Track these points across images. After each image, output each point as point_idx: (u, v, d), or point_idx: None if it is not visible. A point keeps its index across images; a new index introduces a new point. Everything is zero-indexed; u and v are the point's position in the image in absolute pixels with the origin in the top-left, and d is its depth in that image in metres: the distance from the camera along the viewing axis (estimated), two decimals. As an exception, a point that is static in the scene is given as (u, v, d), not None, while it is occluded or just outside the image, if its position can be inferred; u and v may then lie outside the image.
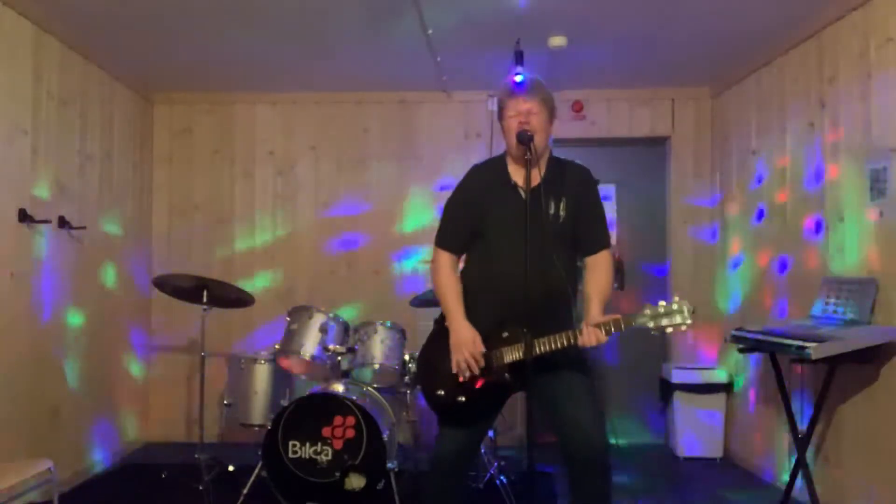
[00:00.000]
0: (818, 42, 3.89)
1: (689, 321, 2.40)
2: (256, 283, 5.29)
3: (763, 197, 4.52)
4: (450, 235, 2.73)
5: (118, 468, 4.66)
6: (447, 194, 2.80)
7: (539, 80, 2.67)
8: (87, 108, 4.43)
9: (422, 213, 5.37)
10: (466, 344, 2.55)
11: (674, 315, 2.40)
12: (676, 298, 2.43)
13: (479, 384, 2.57)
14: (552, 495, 4.09)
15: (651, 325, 2.42)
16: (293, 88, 5.35)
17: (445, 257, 2.72)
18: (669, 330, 2.41)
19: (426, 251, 5.25)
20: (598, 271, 2.66)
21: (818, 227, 3.88)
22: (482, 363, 2.55)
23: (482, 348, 2.55)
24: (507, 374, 2.54)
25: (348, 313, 4.97)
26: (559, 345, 2.46)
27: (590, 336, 2.43)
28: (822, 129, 3.85)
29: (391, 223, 5.40)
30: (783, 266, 4.25)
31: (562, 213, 2.60)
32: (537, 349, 2.44)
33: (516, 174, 2.63)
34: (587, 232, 2.67)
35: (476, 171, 2.76)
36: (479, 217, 2.65)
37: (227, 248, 5.44)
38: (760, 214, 4.55)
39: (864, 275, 3.45)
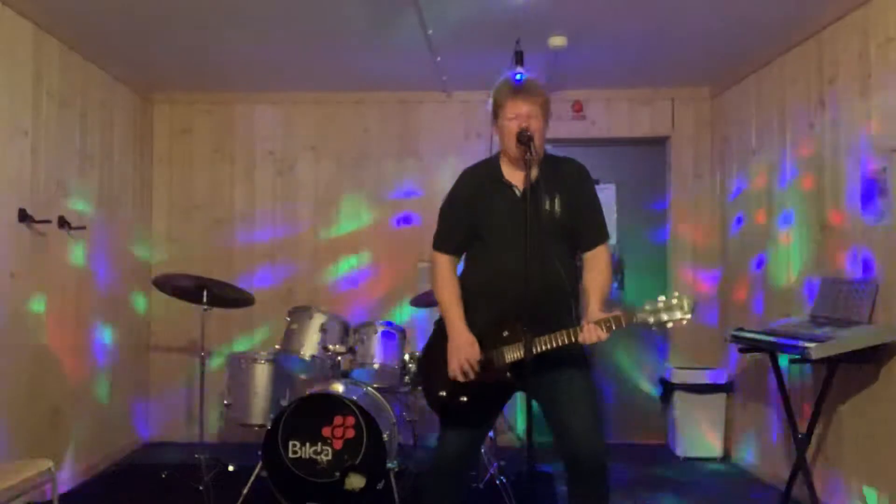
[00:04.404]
0: (818, 42, 3.89)
1: (689, 315, 2.39)
2: (256, 283, 5.29)
3: (763, 197, 4.52)
4: (446, 239, 2.74)
5: (118, 468, 4.66)
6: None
7: (537, 82, 2.66)
8: (87, 108, 4.43)
9: (420, 213, 5.37)
10: (464, 348, 2.55)
11: (674, 310, 2.39)
12: (676, 293, 2.42)
13: (480, 384, 2.57)
14: (552, 495, 4.09)
15: (651, 320, 2.41)
16: (293, 88, 5.35)
17: (443, 260, 2.72)
18: (670, 325, 2.41)
19: (426, 251, 5.25)
20: (596, 267, 2.65)
21: (817, 227, 3.88)
22: (477, 368, 2.55)
23: (479, 354, 2.55)
24: (508, 374, 2.54)
25: (348, 313, 4.96)
26: (560, 343, 2.46)
27: (590, 333, 2.42)
28: (822, 129, 3.85)
29: (391, 223, 5.40)
30: (783, 266, 4.25)
31: (557, 209, 2.59)
32: (538, 348, 2.44)
33: (511, 174, 2.62)
34: (584, 227, 2.66)
35: (469, 172, 2.75)
36: (474, 218, 2.65)
37: (227, 248, 5.44)
38: (760, 214, 4.55)
39: (863, 275, 3.45)
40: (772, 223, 4.40)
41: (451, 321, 2.62)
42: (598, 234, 2.68)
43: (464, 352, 2.55)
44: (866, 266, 3.45)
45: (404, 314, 5.20)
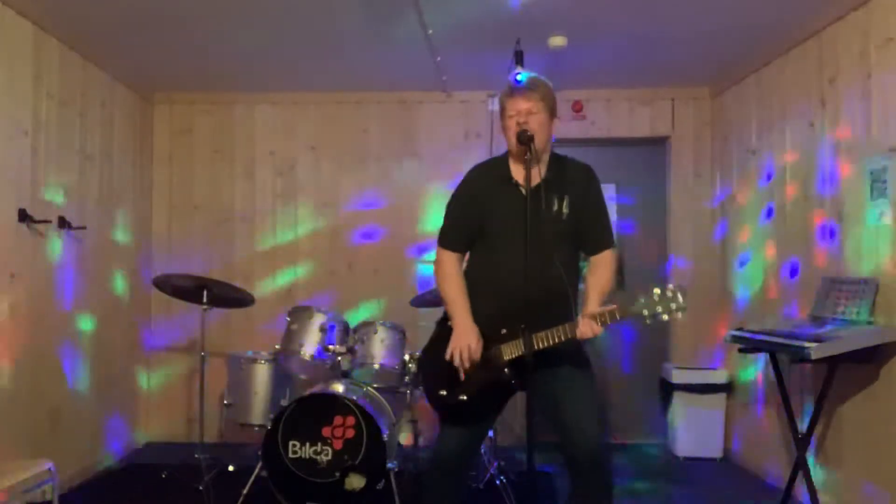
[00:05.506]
0: (818, 42, 3.89)
1: (683, 307, 2.39)
2: (256, 283, 5.29)
3: (763, 197, 4.51)
4: (452, 235, 2.74)
5: (118, 468, 4.66)
6: (447, 195, 2.80)
7: (540, 78, 2.66)
8: (87, 108, 4.44)
9: (421, 213, 5.37)
10: (467, 336, 2.56)
11: (668, 302, 2.40)
12: (670, 286, 2.42)
13: (480, 383, 2.57)
14: (552, 495, 4.09)
15: (646, 312, 2.41)
16: (293, 88, 5.35)
17: (449, 257, 2.72)
18: (665, 317, 2.40)
19: (427, 251, 5.26)
20: (599, 269, 2.67)
21: (818, 227, 3.88)
22: (477, 357, 2.55)
23: (481, 347, 2.56)
24: (506, 370, 2.54)
25: (348, 313, 4.96)
26: (557, 339, 2.47)
27: (586, 327, 2.44)
28: (823, 129, 3.85)
29: (391, 223, 5.40)
30: (782, 267, 4.25)
31: (564, 210, 2.60)
32: (536, 345, 2.45)
33: (517, 173, 2.63)
34: (590, 232, 2.67)
35: (477, 170, 2.76)
36: (480, 216, 2.66)
37: (227, 247, 5.44)
38: (761, 215, 4.55)
39: (864, 275, 3.45)
40: (771, 222, 4.40)
41: (456, 314, 2.63)
42: (604, 239, 2.69)
43: (466, 339, 2.55)
44: (865, 264, 3.45)
45: (407, 316, 5.18)
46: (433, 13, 3.81)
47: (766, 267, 4.46)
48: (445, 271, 2.70)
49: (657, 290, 2.41)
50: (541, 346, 2.46)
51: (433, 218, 5.25)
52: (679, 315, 2.40)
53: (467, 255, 2.77)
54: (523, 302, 2.37)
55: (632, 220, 5.40)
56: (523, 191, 2.56)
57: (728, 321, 4.93)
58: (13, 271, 3.66)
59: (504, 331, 2.54)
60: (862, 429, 3.44)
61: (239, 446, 4.79)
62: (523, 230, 2.40)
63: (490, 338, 2.57)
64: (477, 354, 2.55)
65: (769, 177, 4.44)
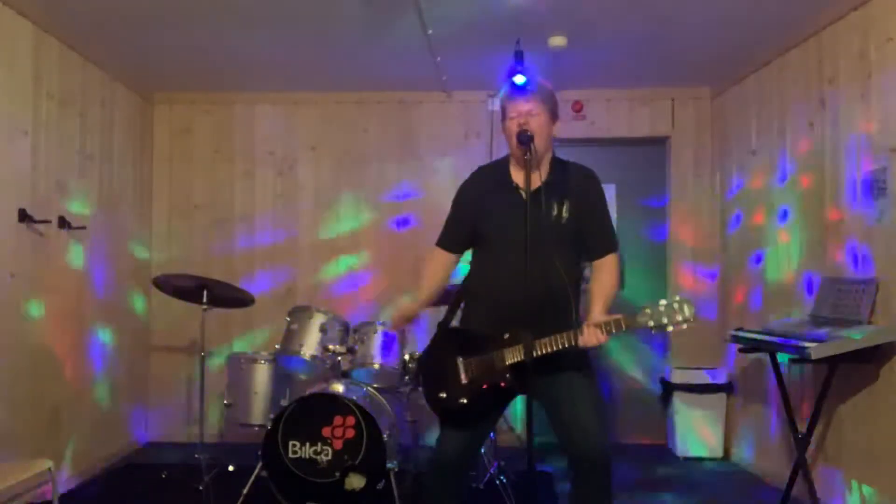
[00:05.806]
0: (818, 42, 3.89)
1: (690, 320, 2.39)
2: (256, 283, 5.29)
3: (762, 196, 4.52)
4: (447, 235, 2.78)
5: (118, 468, 4.66)
6: (444, 196, 2.82)
7: (541, 81, 2.68)
8: (87, 108, 4.43)
9: (421, 213, 5.37)
10: (402, 309, 2.95)
11: (674, 314, 2.39)
12: (677, 298, 2.43)
13: (482, 387, 2.57)
14: (552, 495, 4.09)
15: (652, 323, 2.41)
16: (293, 88, 5.35)
17: (437, 255, 2.79)
18: (670, 329, 2.41)
19: (422, 251, 5.25)
20: (603, 273, 2.66)
21: (817, 227, 3.88)
22: (399, 325, 3.00)
23: (410, 314, 2.88)
24: (508, 375, 2.54)
25: (347, 313, 4.96)
26: (560, 346, 2.46)
27: (590, 336, 2.43)
28: (822, 129, 3.85)
29: (391, 223, 5.40)
30: (781, 266, 4.25)
31: (564, 214, 2.60)
32: (538, 350, 2.44)
33: (518, 176, 2.63)
34: (592, 236, 2.66)
35: (479, 172, 2.78)
36: (479, 218, 2.66)
37: (227, 248, 5.44)
38: (759, 214, 4.55)
39: (863, 275, 3.45)
40: (770, 221, 4.40)
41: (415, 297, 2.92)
42: (607, 243, 2.68)
43: (400, 311, 2.95)
44: (865, 264, 3.45)
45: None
46: (433, 13, 3.81)
47: (764, 267, 4.45)
48: (427, 266, 2.86)
49: (664, 302, 2.41)
50: (543, 352, 2.46)
51: (431, 219, 5.25)
52: (684, 327, 2.40)
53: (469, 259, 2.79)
54: (524, 305, 2.37)
55: (631, 220, 5.40)
56: (523, 194, 2.56)
57: (728, 321, 4.93)
58: (13, 271, 3.66)
59: (507, 335, 2.53)
60: (862, 429, 3.44)
61: (239, 446, 4.79)
62: (523, 233, 2.40)
63: (492, 342, 2.57)
64: (402, 319, 2.92)
65: (767, 176, 4.44)
